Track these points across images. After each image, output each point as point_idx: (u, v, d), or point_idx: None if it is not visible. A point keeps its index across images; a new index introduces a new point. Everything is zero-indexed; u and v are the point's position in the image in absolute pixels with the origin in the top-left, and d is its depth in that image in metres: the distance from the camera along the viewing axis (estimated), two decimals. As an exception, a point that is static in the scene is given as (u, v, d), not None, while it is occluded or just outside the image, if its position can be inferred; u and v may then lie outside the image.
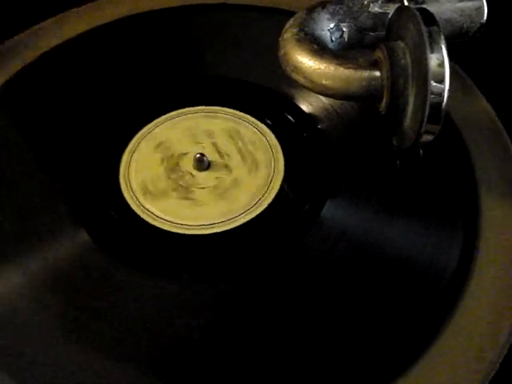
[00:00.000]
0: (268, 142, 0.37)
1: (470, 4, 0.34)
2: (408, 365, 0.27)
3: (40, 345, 0.28)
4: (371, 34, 0.33)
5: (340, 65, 0.30)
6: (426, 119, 0.29)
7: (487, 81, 0.41)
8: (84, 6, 0.46)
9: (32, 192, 0.34)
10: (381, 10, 0.33)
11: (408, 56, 0.29)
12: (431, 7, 0.33)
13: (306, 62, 0.30)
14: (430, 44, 0.28)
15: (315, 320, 0.29)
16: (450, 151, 0.36)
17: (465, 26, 0.34)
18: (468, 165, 0.35)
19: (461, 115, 0.37)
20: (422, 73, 0.28)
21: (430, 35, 0.28)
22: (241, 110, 0.39)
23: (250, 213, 0.33)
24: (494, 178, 0.35)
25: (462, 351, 0.28)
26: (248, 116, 0.38)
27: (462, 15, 0.34)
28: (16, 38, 0.43)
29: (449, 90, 0.28)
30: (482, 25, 0.35)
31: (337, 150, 0.36)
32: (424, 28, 0.28)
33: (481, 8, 0.35)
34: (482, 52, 0.44)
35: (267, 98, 0.40)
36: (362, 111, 0.37)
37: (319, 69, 0.30)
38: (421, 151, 0.33)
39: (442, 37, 0.28)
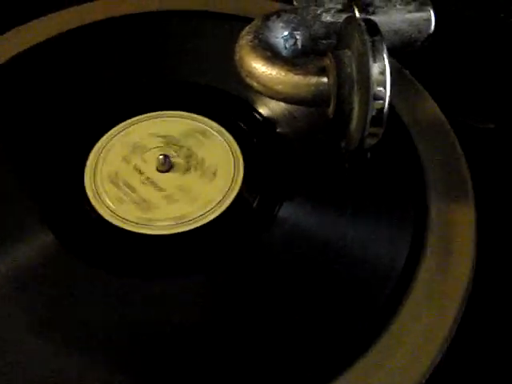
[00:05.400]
0: (228, 145, 0.38)
1: (418, 15, 0.36)
2: (356, 356, 0.29)
3: (10, 342, 0.29)
4: (324, 42, 0.35)
5: (290, 71, 0.32)
6: (369, 123, 0.30)
7: (441, 88, 0.43)
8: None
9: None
10: (333, 20, 0.35)
11: (353, 64, 0.31)
12: (381, 18, 0.35)
13: (259, 67, 0.32)
14: (373, 53, 0.30)
15: (267, 313, 0.31)
16: (400, 153, 0.38)
17: (413, 36, 0.36)
18: (417, 165, 0.37)
19: (411, 118, 0.39)
20: (365, 80, 0.30)
21: (373, 44, 0.30)
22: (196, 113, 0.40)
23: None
24: (443, 178, 0.36)
25: (409, 341, 0.29)
26: (203, 118, 0.40)
27: (410, 25, 0.36)
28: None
29: (390, 96, 0.30)
30: (429, 35, 0.37)
31: (293, 153, 0.38)
32: (367, 38, 0.30)
33: (429, 19, 0.37)
34: (436, 61, 0.46)
35: (224, 101, 0.41)
36: (319, 116, 0.39)
37: (271, 74, 0.32)
38: (368, 154, 0.35)
39: (384, 46, 0.30)
